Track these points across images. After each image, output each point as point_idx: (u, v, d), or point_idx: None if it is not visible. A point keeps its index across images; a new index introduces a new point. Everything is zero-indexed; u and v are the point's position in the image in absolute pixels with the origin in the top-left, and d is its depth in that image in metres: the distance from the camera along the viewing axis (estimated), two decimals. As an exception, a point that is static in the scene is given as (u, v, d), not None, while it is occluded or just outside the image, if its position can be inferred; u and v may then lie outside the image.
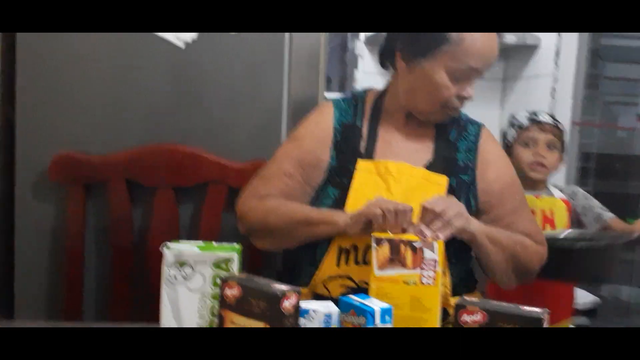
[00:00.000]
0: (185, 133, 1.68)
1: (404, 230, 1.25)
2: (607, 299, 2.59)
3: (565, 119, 2.84)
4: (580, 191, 2.05)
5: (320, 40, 1.77)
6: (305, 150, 1.47)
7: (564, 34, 3.04)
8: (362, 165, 1.42)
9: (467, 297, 1.07)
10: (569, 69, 3.01)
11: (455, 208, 1.30)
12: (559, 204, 1.99)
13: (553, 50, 3.10)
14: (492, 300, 1.04)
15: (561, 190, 2.05)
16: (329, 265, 1.38)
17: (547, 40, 3.20)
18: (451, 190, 1.42)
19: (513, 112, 2.18)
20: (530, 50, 3.34)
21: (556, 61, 3.10)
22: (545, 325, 0.98)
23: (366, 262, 1.35)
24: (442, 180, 1.42)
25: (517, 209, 1.49)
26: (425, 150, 1.48)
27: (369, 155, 1.45)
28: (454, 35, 1.35)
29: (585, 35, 2.97)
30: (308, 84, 1.81)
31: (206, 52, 1.67)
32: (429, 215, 1.26)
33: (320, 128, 1.49)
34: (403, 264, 1.19)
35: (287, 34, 1.70)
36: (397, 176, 1.41)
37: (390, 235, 1.22)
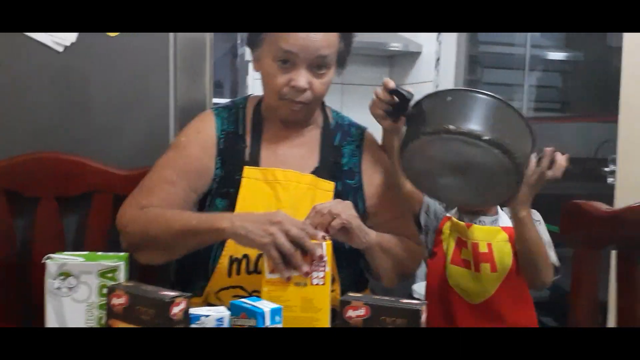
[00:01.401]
0: (68, 141, 1.62)
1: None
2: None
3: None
4: None
5: (206, 43, 1.75)
6: (190, 157, 1.42)
7: (443, 42, 3.18)
8: (249, 172, 1.40)
9: (351, 294, 1.10)
10: (449, 75, 3.13)
11: (349, 210, 1.30)
12: (500, 236, 1.49)
13: (434, 57, 3.24)
14: (375, 295, 1.08)
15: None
16: (220, 276, 1.37)
17: (428, 47, 3.33)
18: (337, 195, 1.42)
19: None
20: (413, 57, 3.46)
21: (437, 68, 3.23)
22: (423, 317, 1.03)
23: (257, 271, 1.34)
24: (330, 187, 1.43)
25: (404, 213, 1.53)
26: (310, 156, 1.48)
27: (255, 163, 1.42)
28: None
29: (464, 42, 3.11)
30: (195, 89, 1.78)
31: (87, 56, 1.62)
32: (320, 217, 1.25)
33: (203, 136, 1.44)
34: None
35: (171, 36, 1.67)
36: (285, 184, 1.40)
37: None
